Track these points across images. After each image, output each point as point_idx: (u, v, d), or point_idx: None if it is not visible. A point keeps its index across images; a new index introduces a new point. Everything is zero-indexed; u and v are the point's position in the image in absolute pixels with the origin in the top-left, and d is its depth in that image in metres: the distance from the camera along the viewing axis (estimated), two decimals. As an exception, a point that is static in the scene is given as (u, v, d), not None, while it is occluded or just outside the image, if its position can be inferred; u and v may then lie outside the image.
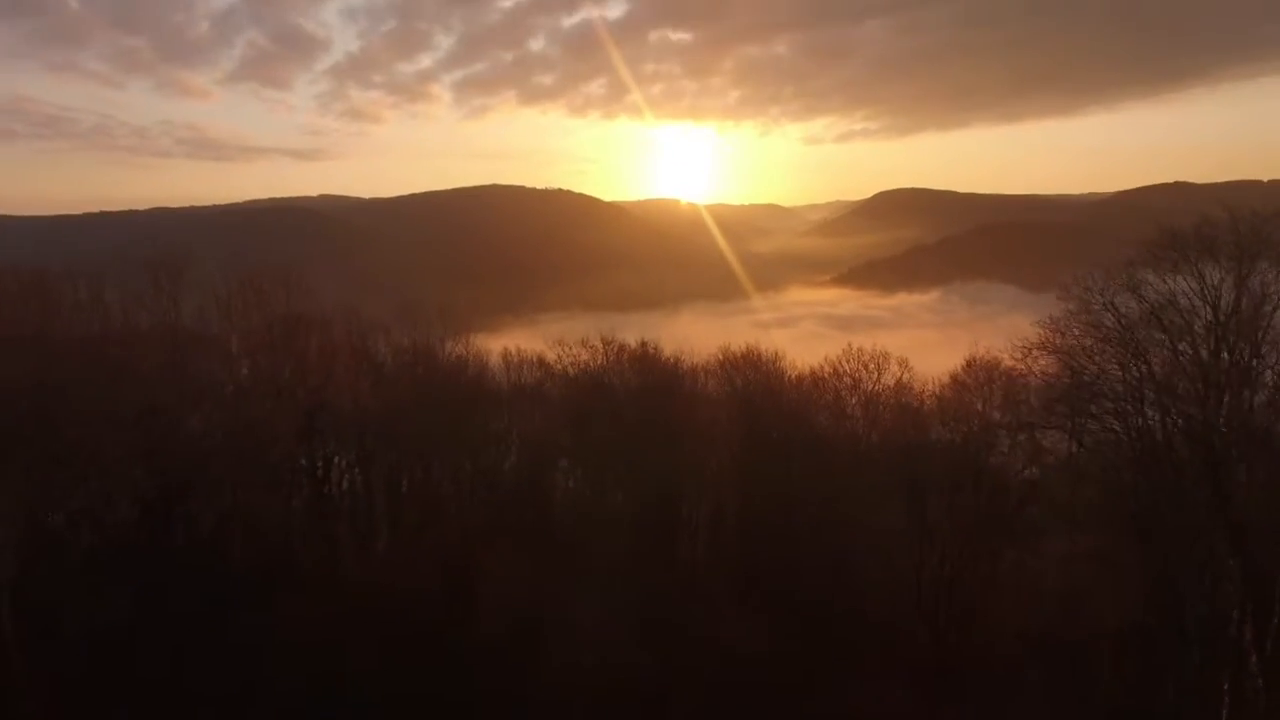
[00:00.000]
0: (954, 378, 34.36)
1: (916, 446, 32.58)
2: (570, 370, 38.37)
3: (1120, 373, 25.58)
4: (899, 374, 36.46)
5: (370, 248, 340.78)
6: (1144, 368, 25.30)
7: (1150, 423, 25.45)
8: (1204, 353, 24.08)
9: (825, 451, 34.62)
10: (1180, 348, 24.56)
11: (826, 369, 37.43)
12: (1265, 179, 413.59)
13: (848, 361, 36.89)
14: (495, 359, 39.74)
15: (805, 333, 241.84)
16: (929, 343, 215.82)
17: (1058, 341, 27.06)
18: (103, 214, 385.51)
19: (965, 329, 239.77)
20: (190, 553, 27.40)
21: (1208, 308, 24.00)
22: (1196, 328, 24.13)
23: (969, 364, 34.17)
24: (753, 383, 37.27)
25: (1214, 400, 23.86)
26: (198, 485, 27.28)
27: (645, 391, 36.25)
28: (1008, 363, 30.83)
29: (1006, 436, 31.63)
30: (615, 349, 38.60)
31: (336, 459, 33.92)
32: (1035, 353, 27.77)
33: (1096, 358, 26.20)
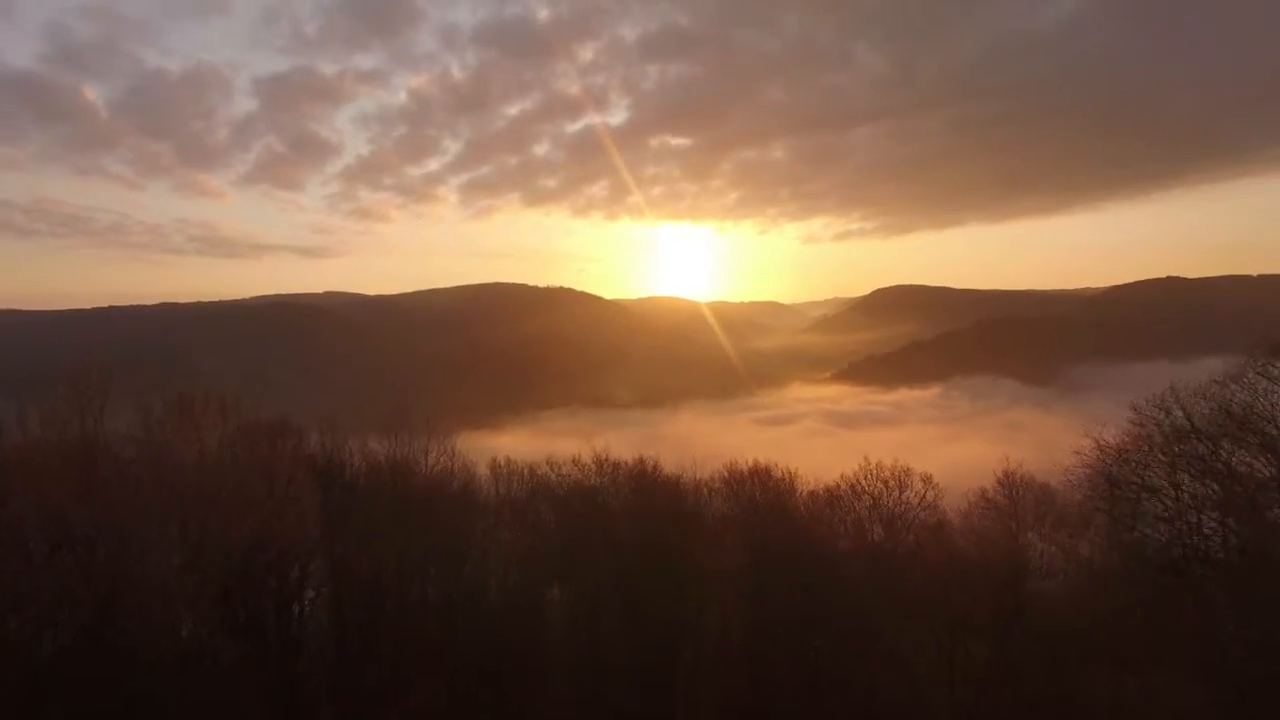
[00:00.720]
0: (984, 495, 32.20)
1: (947, 571, 30.01)
2: (560, 490, 35.65)
3: (1172, 489, 23.90)
4: (922, 491, 34.11)
5: (373, 344, 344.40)
6: (1213, 483, 23.44)
7: (1210, 542, 23.64)
8: None
9: (845, 572, 32.27)
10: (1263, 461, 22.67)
11: (844, 486, 35.12)
12: (1254, 273, 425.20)
13: (866, 478, 34.72)
14: (483, 470, 36.56)
15: (808, 430, 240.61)
16: (933, 438, 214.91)
17: (1098, 455, 25.67)
18: (111, 308, 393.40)
19: (967, 423, 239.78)
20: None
21: None
22: None
23: (1001, 480, 32.05)
24: (762, 502, 34.91)
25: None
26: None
27: (644, 512, 33.78)
28: (1040, 478, 29.38)
29: (1040, 548, 29.63)
30: (610, 467, 35.93)
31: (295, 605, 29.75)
32: (1078, 468, 26.34)
33: (1151, 468, 24.69)
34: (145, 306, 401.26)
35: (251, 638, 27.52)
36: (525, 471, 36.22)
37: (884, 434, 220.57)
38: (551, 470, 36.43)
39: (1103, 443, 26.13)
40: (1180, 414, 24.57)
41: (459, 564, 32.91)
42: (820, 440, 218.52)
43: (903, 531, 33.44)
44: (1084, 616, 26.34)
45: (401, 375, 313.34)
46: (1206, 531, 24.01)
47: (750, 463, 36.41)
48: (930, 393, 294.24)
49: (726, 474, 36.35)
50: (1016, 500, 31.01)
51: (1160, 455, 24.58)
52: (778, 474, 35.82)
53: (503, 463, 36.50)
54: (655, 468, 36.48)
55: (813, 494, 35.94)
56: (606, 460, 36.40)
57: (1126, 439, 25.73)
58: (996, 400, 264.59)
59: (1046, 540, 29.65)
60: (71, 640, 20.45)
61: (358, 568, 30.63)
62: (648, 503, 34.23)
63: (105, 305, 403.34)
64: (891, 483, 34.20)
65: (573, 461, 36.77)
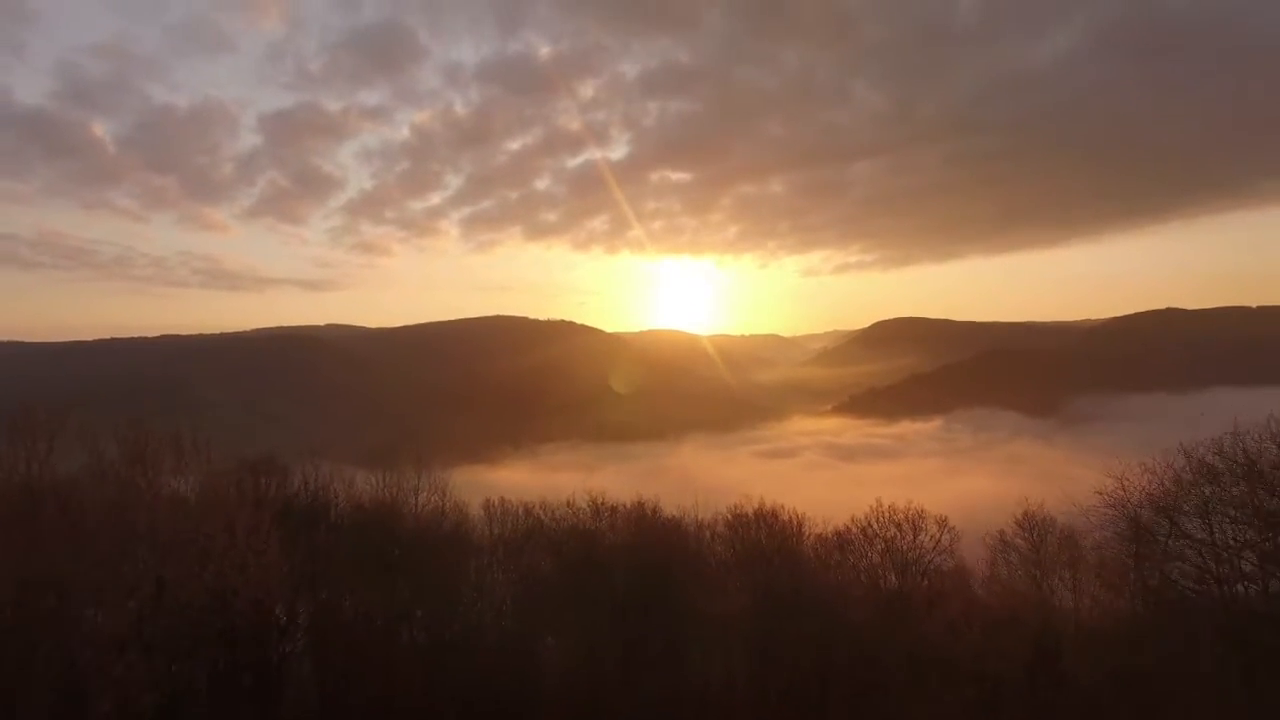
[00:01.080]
0: (1004, 539, 30.66)
1: (968, 622, 28.28)
2: (556, 533, 33.94)
3: (1207, 533, 22.53)
4: (937, 534, 32.39)
5: (374, 376, 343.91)
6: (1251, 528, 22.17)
7: (1250, 589, 22.08)
8: None
9: (856, 621, 30.34)
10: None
11: (854, 530, 33.52)
12: (1253, 305, 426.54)
13: (877, 521, 33.11)
14: (477, 509, 35.03)
15: (809, 463, 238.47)
16: (935, 471, 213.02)
17: (1123, 495, 24.48)
18: (113, 340, 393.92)
19: (970, 456, 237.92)
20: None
21: None
22: None
23: (1021, 522, 30.39)
24: (768, 546, 33.19)
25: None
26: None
27: (643, 556, 32.04)
28: (1061, 518, 27.91)
29: (1064, 596, 27.59)
30: (608, 510, 34.31)
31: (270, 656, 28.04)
32: (1101, 509, 25.11)
33: (1183, 511, 23.43)
34: (147, 339, 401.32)
35: (227, 688, 26.27)
36: (520, 511, 34.72)
37: (886, 467, 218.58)
38: (545, 514, 34.99)
39: (1128, 482, 24.89)
40: (1241, 454, 23.02)
41: (450, 607, 31.48)
42: (822, 473, 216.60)
43: (918, 578, 31.74)
44: (1118, 672, 24.53)
45: (402, 408, 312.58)
46: (1246, 578, 22.73)
47: (755, 504, 34.84)
48: (932, 425, 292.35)
49: (730, 516, 34.80)
50: (1039, 544, 29.31)
51: (1192, 496, 23.35)
52: (784, 516, 34.30)
53: (497, 503, 35.07)
54: (655, 510, 34.93)
55: (821, 537, 34.31)
56: (603, 504, 34.98)
57: (1153, 478, 24.47)
58: (998, 433, 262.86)
59: (1072, 588, 27.89)
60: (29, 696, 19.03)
61: (341, 612, 29.33)
62: (647, 546, 32.73)
63: (107, 337, 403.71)
64: (905, 525, 32.59)
65: (568, 504, 35.34)
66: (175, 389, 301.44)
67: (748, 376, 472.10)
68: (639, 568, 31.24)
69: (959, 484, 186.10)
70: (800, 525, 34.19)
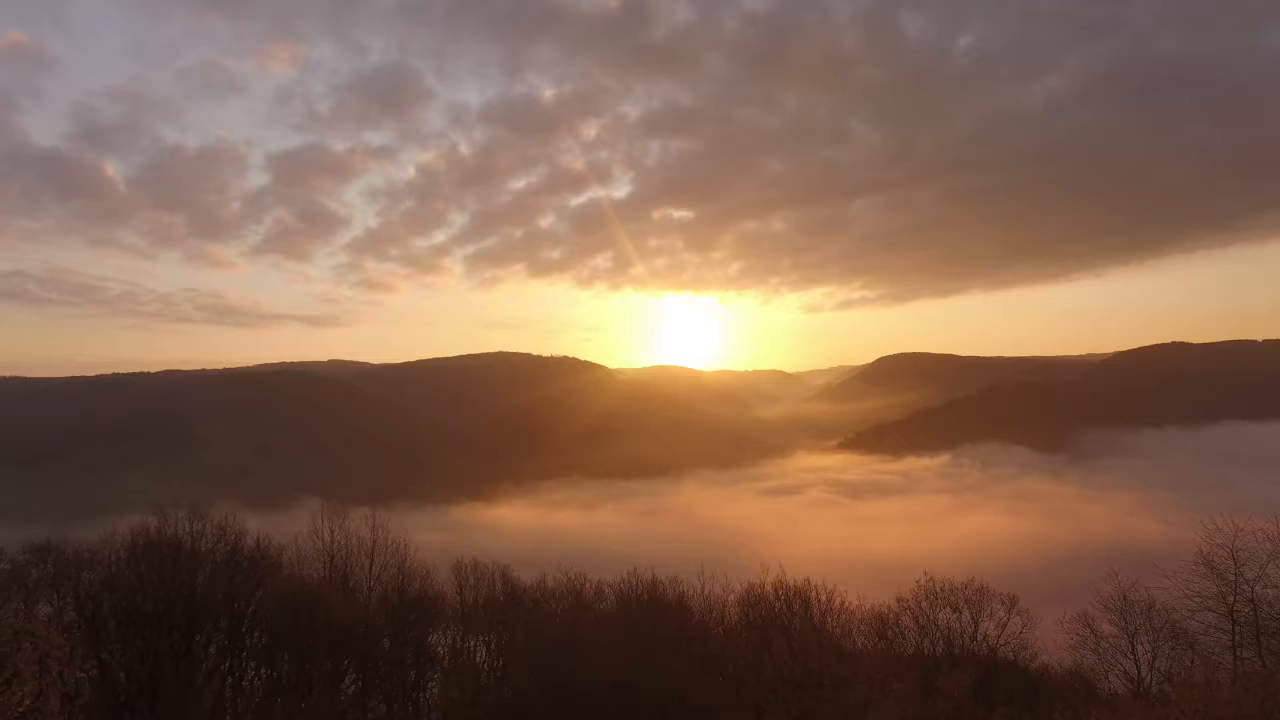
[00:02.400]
0: (1088, 623, 24.79)
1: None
2: (533, 618, 29.15)
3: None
4: (1004, 616, 27.26)
5: (377, 412, 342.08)
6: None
7: None
8: None
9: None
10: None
11: (897, 611, 28.33)
12: (1260, 339, 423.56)
13: (926, 599, 28.10)
14: (445, 573, 30.50)
15: (814, 500, 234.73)
16: (944, 509, 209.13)
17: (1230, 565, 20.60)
18: (116, 375, 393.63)
19: (979, 493, 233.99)
20: None
21: None
22: None
23: (1108, 603, 24.67)
24: (791, 628, 27.17)
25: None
26: None
27: (641, 642, 26.79)
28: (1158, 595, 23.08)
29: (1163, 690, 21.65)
30: (593, 593, 29.23)
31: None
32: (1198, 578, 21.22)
33: None
34: (149, 374, 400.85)
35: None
36: (497, 573, 30.76)
37: (893, 505, 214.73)
38: (528, 600, 30.79)
39: (1237, 553, 21.00)
40: None
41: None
42: (828, 511, 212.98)
43: (975, 667, 25.34)
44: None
45: (405, 443, 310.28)
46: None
47: (774, 579, 29.61)
48: (939, 461, 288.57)
49: (745, 592, 29.64)
50: (1132, 630, 23.90)
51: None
52: (808, 591, 28.62)
53: (468, 566, 31.08)
54: (653, 587, 30.05)
55: (850, 612, 28.31)
56: (589, 587, 30.49)
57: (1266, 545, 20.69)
58: (1006, 468, 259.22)
59: (1175, 685, 21.51)
60: None
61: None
62: (646, 628, 27.76)
63: (110, 372, 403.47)
64: (961, 605, 27.08)
65: (540, 586, 30.95)
66: (177, 424, 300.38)
67: (751, 413, 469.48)
68: (636, 655, 26.52)
69: (969, 522, 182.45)
70: (828, 600, 28.56)
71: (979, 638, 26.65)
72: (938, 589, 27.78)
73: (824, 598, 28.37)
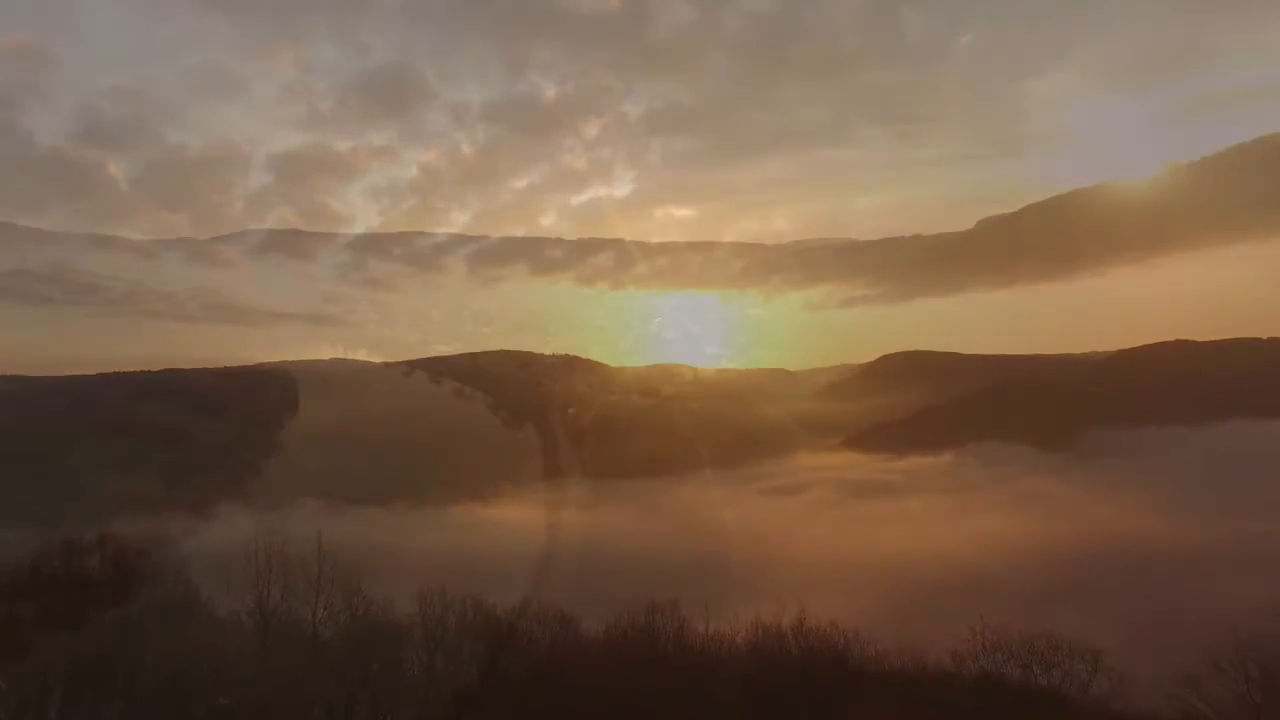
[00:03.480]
0: (1194, 685, 21.45)
1: None
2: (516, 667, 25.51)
3: None
4: (1087, 675, 23.31)
5: (379, 410, 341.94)
6: None
7: None
8: None
9: None
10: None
11: (945, 664, 23.83)
12: (1265, 336, 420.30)
13: (983, 649, 24.10)
14: (409, 603, 27.51)
15: (817, 499, 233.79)
16: (948, 509, 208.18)
17: None
18: (116, 374, 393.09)
19: (982, 492, 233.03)
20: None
21: None
22: None
23: (1217, 662, 21.92)
24: (809, 675, 23.26)
25: None
26: None
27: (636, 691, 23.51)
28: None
29: None
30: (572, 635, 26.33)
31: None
32: None
33: None
34: (150, 372, 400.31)
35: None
36: (470, 603, 27.25)
37: (897, 504, 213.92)
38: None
39: None
40: None
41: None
42: (831, 511, 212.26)
43: None
44: None
45: (405, 443, 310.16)
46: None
47: (793, 619, 25.19)
48: (942, 460, 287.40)
49: (756, 637, 25.79)
50: (1253, 695, 19.89)
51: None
52: (835, 638, 23.46)
53: (437, 595, 27.95)
54: (650, 625, 27.11)
55: (882, 662, 22.28)
56: (567, 623, 27.36)
57: None
58: (1010, 468, 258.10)
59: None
60: None
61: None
62: (641, 677, 24.04)
63: (113, 371, 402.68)
64: (1026, 658, 22.23)
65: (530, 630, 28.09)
66: (179, 423, 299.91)
67: (753, 411, 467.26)
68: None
69: (974, 522, 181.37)
70: (846, 645, 23.15)
71: (1048, 685, 21.17)
72: (995, 638, 22.45)
73: (856, 649, 23.68)
